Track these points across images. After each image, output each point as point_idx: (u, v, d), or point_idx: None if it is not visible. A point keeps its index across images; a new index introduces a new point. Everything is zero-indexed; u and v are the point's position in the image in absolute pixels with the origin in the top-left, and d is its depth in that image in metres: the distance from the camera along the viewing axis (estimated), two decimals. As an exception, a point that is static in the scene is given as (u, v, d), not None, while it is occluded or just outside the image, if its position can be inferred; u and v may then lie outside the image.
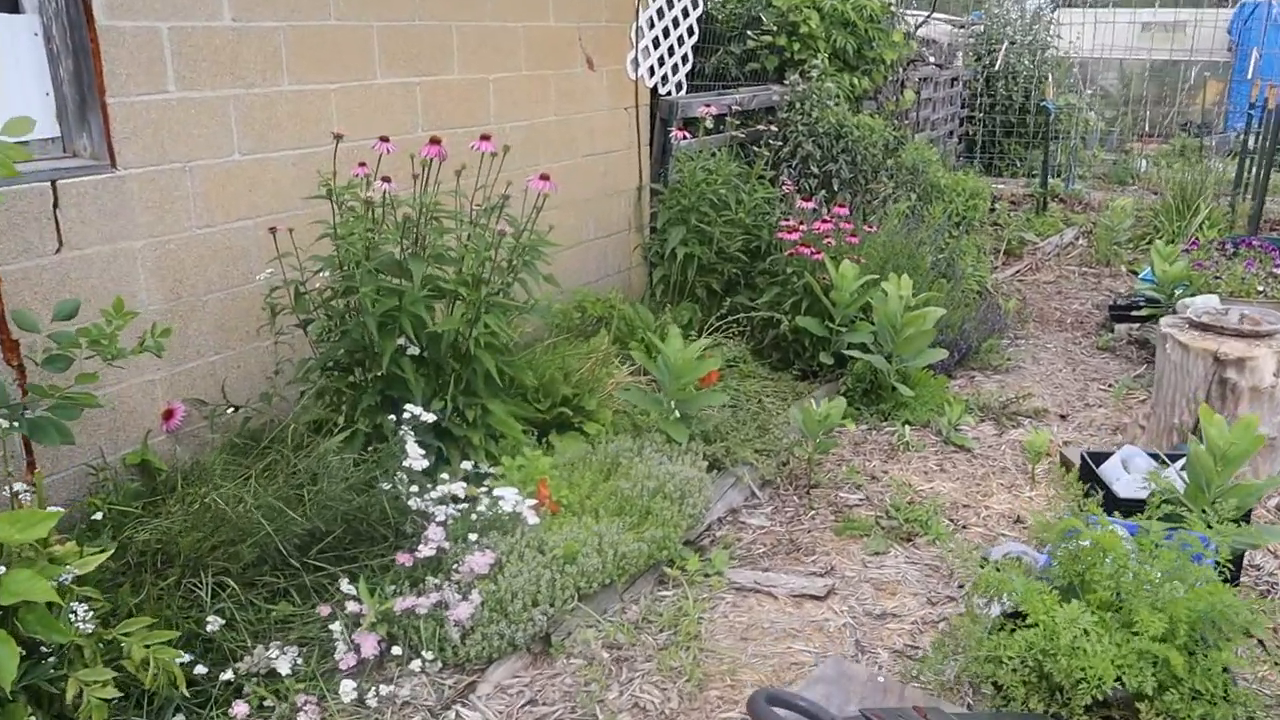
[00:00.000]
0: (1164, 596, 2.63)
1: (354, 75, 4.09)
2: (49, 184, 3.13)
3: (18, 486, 2.62)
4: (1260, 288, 6.84)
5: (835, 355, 5.31)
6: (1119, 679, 2.52)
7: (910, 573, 3.66)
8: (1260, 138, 8.67)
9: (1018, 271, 8.15)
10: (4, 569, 2.14)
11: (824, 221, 5.56)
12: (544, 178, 3.78)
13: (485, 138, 3.68)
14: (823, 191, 6.58)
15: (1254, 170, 8.74)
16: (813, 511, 4.13)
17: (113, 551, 2.82)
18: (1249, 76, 11.10)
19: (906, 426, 4.90)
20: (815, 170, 6.65)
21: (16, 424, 2.66)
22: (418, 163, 3.59)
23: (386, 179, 3.49)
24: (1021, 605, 2.75)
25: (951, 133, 11.22)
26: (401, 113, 4.34)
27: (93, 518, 3.06)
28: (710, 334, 5.19)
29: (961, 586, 3.51)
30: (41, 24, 3.20)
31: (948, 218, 7.44)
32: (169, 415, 3.49)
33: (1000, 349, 6.14)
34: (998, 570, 2.93)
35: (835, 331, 5.28)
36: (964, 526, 4.02)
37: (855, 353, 5.11)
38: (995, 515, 4.11)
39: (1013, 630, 2.75)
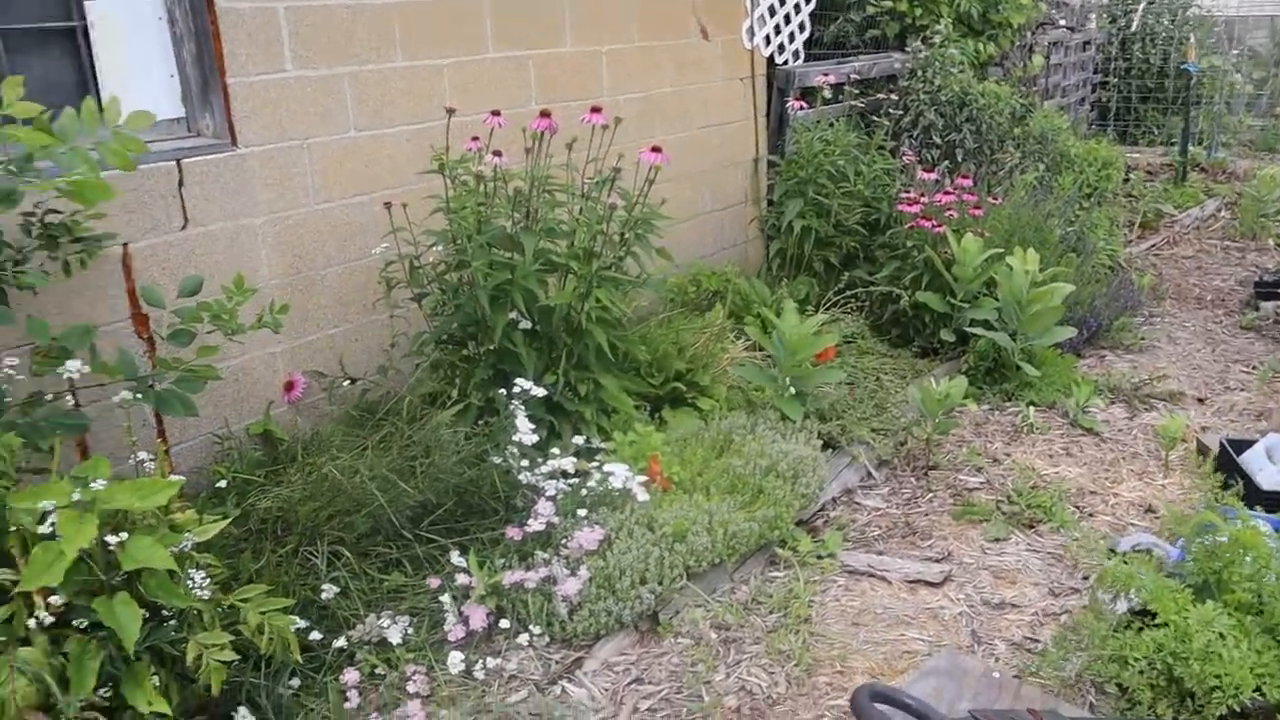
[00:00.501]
0: (1312, 600, 2.46)
1: (466, 50, 4.10)
2: (174, 163, 3.22)
3: (141, 455, 2.71)
4: None
5: (957, 332, 5.14)
6: (1258, 688, 2.37)
7: (1031, 561, 3.52)
8: None
9: (1153, 245, 7.76)
10: (126, 536, 2.22)
11: (946, 193, 5.38)
12: (655, 150, 3.73)
13: (596, 110, 3.65)
14: (945, 162, 6.35)
15: None
16: (930, 494, 4.01)
17: (234, 518, 2.92)
18: None
19: (1031, 408, 4.72)
20: (937, 140, 6.42)
21: (140, 395, 2.76)
22: (529, 136, 3.58)
23: (498, 153, 3.50)
24: (1151, 603, 2.61)
25: (1083, 99, 10.70)
26: (514, 87, 4.34)
27: (217, 485, 3.16)
28: (827, 309, 5.07)
29: (1086, 578, 3.36)
30: (165, 8, 3.30)
31: (1078, 189, 7.12)
32: (290, 387, 3.58)
33: (1133, 327, 5.85)
34: (1125, 563, 2.80)
35: (957, 307, 5.11)
36: (1090, 515, 3.85)
37: (978, 330, 4.94)
38: (1124, 504, 3.92)
39: (1140, 629, 2.61)
